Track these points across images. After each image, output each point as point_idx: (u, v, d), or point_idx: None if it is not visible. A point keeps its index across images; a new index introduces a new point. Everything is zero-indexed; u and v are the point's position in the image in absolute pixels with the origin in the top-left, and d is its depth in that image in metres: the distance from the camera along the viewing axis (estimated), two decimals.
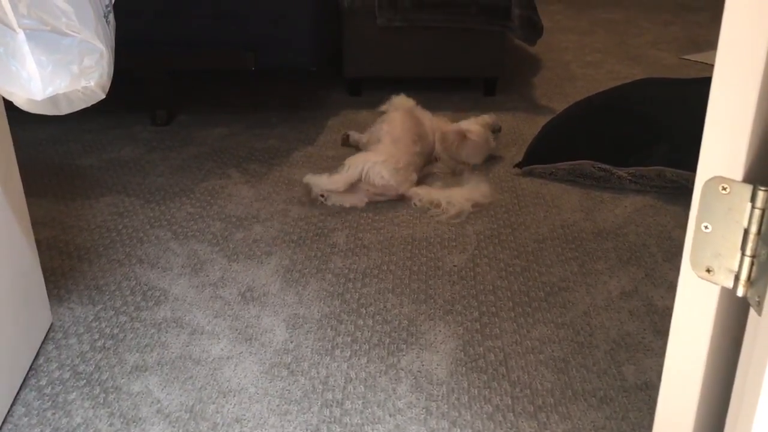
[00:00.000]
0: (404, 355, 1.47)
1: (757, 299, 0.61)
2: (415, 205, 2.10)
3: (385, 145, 2.21)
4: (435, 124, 2.42)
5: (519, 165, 2.33)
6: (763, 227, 0.60)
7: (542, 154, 2.31)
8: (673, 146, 2.12)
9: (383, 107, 2.47)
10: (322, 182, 2.09)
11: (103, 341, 1.52)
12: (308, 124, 2.77)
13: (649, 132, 2.21)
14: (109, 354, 1.48)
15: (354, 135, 2.51)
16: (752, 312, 0.62)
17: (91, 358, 1.47)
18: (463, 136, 2.34)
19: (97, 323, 1.58)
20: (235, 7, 2.58)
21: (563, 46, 3.92)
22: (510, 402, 1.33)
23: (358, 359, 1.46)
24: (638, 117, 2.30)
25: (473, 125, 2.37)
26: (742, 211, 0.62)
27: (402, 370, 1.42)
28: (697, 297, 0.69)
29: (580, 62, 3.61)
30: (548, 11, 4.69)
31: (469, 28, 2.88)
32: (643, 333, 1.52)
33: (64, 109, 1.22)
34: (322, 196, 2.08)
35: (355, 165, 2.09)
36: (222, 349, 1.49)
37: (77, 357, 1.47)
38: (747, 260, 0.62)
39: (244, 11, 2.58)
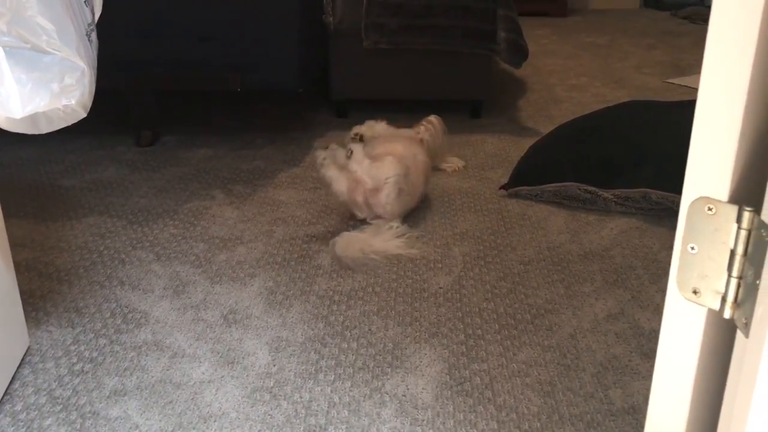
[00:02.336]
0: (389, 379, 1.44)
1: (744, 321, 0.60)
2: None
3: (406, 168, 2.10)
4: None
5: (505, 187, 2.33)
6: (750, 248, 0.60)
7: (528, 176, 2.31)
8: (658, 168, 2.13)
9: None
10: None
11: (81, 365, 1.49)
12: (294, 146, 2.76)
13: (634, 154, 2.22)
14: (88, 378, 1.45)
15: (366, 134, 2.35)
16: (739, 334, 0.61)
17: (68, 382, 1.44)
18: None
19: (76, 346, 1.55)
20: (221, 29, 2.58)
21: (549, 70, 3.95)
22: (496, 426, 1.31)
23: (342, 383, 1.43)
24: (623, 139, 2.31)
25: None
26: (728, 232, 0.61)
27: (387, 394, 1.40)
28: (683, 319, 0.68)
29: (565, 85, 3.63)
30: (534, 35, 4.74)
31: (455, 51, 2.89)
32: (629, 356, 1.51)
33: (44, 128, 1.21)
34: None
35: (390, 167, 2.02)
36: (203, 373, 1.47)
37: (54, 381, 1.44)
38: (734, 281, 0.61)
39: (230, 32, 2.58)
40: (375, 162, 2.04)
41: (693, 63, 4.11)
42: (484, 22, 2.83)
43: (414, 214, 2.18)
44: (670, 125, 2.29)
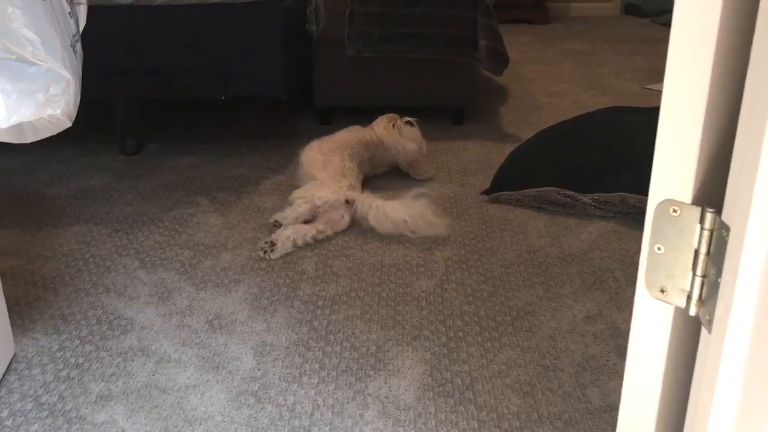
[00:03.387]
0: (372, 381, 1.47)
1: (708, 318, 0.62)
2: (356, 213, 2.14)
3: (311, 180, 2.26)
4: (363, 133, 2.53)
5: (486, 192, 2.36)
6: (712, 248, 0.62)
7: (509, 181, 2.34)
8: (636, 173, 2.17)
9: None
10: (287, 214, 2.11)
11: (67, 371, 1.50)
12: (278, 153, 2.79)
13: (613, 159, 2.26)
14: (74, 384, 1.46)
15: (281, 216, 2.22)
16: (704, 330, 0.64)
17: (54, 388, 1.45)
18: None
19: (62, 353, 1.56)
20: (205, 37, 2.60)
21: (530, 77, 3.99)
22: (476, 426, 1.34)
23: (326, 386, 1.46)
24: (602, 144, 2.34)
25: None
26: (692, 233, 0.64)
27: (369, 395, 1.43)
28: (652, 317, 0.70)
29: (546, 92, 3.67)
30: (516, 42, 4.78)
31: (437, 58, 2.93)
32: (607, 356, 1.54)
33: (30, 138, 1.22)
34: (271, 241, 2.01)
35: (301, 197, 2.14)
36: (188, 378, 1.48)
37: (40, 388, 1.45)
38: (698, 280, 0.63)
39: (214, 41, 2.60)
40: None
41: None
42: (464, 30, 2.86)
43: None
44: (647, 130, 2.32)
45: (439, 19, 2.86)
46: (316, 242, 2.06)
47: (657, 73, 4.09)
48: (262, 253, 1.98)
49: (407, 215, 2.07)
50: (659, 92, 3.63)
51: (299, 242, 2.03)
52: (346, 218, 2.13)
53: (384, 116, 2.61)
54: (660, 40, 4.99)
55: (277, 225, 2.08)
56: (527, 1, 5.59)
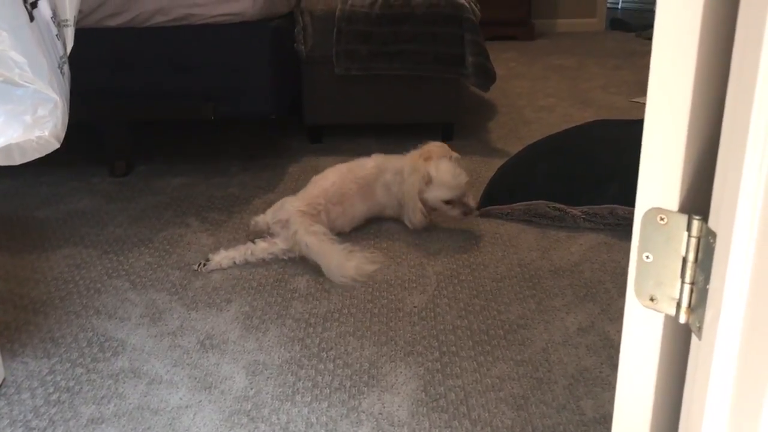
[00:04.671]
0: (365, 398, 1.46)
1: (698, 325, 0.63)
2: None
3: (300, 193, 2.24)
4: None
5: (476, 206, 2.37)
6: (700, 255, 0.63)
7: (499, 195, 2.35)
8: (624, 184, 2.18)
9: None
10: (219, 258, 2.05)
11: (57, 395, 1.49)
12: (269, 172, 2.79)
13: (601, 171, 2.27)
14: (64, 407, 1.45)
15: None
16: (694, 337, 0.64)
17: (45, 412, 1.44)
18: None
19: (52, 376, 1.55)
20: (193, 58, 2.61)
21: (517, 92, 4.02)
22: None
23: (319, 404, 1.45)
24: (590, 157, 2.36)
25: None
26: (679, 240, 0.64)
27: (363, 412, 1.42)
28: (642, 326, 0.70)
29: (533, 107, 3.70)
30: (502, 58, 4.82)
31: (425, 75, 2.95)
32: (600, 367, 1.54)
33: (18, 160, 1.22)
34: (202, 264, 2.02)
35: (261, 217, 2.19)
36: (181, 398, 1.47)
37: (30, 412, 1.44)
38: (687, 287, 0.64)
39: (202, 62, 2.61)
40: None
41: None
42: (451, 47, 2.89)
43: (388, 235, 2.21)
44: (635, 142, 2.34)
45: (426, 36, 2.88)
46: (264, 260, 2.06)
47: (643, 86, 4.10)
48: (196, 266, 2.01)
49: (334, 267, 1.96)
50: (645, 105, 3.67)
51: (238, 260, 2.04)
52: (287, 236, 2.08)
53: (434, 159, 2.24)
54: (645, 54, 5.04)
55: (205, 261, 2.03)
56: (513, 18, 5.65)
